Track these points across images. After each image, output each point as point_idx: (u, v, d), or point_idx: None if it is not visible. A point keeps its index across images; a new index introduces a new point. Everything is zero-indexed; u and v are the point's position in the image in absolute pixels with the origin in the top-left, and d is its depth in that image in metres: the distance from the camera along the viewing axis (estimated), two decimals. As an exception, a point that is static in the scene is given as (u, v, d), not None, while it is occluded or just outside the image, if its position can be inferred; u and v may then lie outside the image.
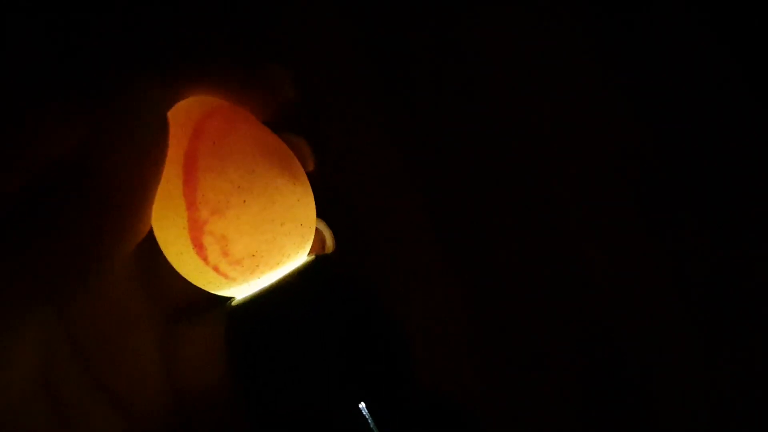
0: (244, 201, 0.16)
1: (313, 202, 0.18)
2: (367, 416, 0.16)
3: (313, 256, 0.18)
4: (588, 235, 0.36)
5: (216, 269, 0.17)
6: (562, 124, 0.37)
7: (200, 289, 0.18)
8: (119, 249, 0.16)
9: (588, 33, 0.38)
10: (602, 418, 0.34)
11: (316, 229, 0.19)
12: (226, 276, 0.17)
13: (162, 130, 0.16)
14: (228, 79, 0.17)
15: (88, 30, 0.32)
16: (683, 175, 0.37)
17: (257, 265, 0.17)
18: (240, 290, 0.18)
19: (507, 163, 0.37)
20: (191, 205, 0.17)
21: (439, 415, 0.18)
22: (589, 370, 0.35)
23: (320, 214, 0.19)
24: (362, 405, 0.16)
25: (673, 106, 0.38)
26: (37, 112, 0.15)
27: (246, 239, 0.17)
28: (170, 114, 0.17)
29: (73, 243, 0.15)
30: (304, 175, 0.18)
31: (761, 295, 0.36)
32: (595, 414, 0.34)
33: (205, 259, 0.17)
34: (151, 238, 0.17)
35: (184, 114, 0.17)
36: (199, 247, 0.17)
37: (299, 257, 0.18)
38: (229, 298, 0.18)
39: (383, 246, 0.35)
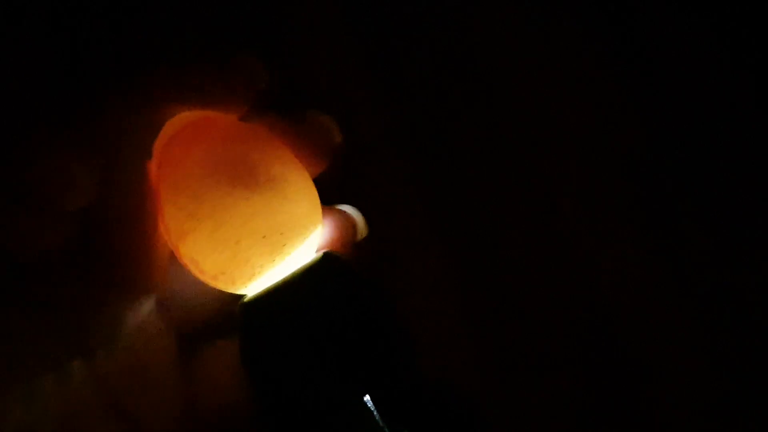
0: (195, 227, 0.17)
1: (293, 204, 0.18)
2: (372, 409, 0.16)
3: (321, 253, 0.19)
4: (589, 236, 0.36)
5: (207, 282, 0.18)
6: (563, 124, 0.37)
7: (215, 307, 0.19)
8: (139, 302, 0.17)
9: (588, 34, 0.38)
10: (602, 417, 0.34)
11: (347, 215, 0.19)
12: (217, 287, 0.18)
13: (143, 195, 0.16)
14: (197, 94, 0.17)
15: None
16: (685, 176, 0.37)
17: (233, 281, 0.18)
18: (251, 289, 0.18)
19: (507, 163, 0.37)
20: (164, 232, 0.18)
21: (445, 409, 0.18)
22: (590, 370, 0.35)
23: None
24: (367, 398, 0.16)
25: (673, 106, 0.38)
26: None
27: (210, 260, 0.18)
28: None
29: (94, 301, 0.15)
30: (277, 179, 0.18)
31: (763, 295, 0.36)
32: (595, 414, 0.34)
33: (195, 274, 0.18)
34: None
35: (158, 140, 0.17)
36: (186, 266, 0.18)
37: (282, 264, 0.18)
38: (242, 296, 0.19)
39: (383, 246, 0.35)
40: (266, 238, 0.17)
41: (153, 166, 0.17)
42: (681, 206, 0.37)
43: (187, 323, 0.19)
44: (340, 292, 0.18)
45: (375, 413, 0.16)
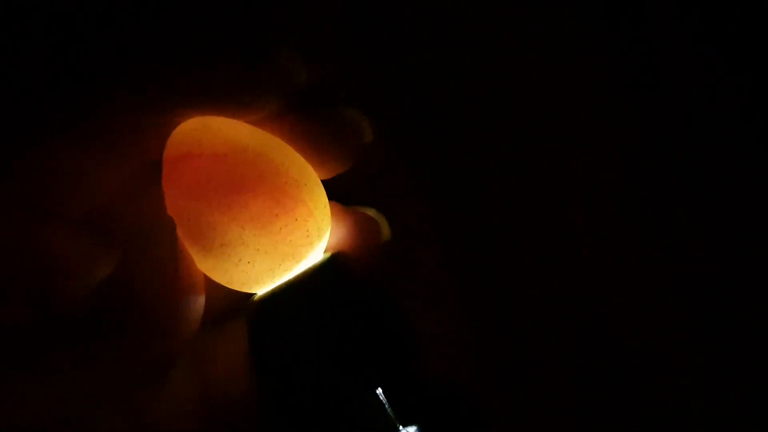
0: (199, 251, 0.18)
1: (301, 217, 0.18)
2: (384, 401, 0.17)
3: (329, 254, 0.19)
4: (589, 236, 0.36)
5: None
6: (563, 124, 0.37)
7: (223, 299, 0.19)
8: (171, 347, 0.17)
9: (588, 34, 0.38)
10: (602, 417, 0.34)
11: (371, 219, 0.19)
12: (227, 286, 0.18)
13: (174, 255, 0.17)
14: (222, 97, 0.17)
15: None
16: (685, 176, 0.37)
17: (241, 286, 0.18)
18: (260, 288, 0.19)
19: (507, 163, 0.37)
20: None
21: (452, 404, 0.18)
22: (590, 370, 0.35)
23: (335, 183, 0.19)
24: (379, 390, 0.17)
25: (673, 106, 0.38)
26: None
27: (216, 275, 0.18)
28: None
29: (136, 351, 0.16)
30: (284, 193, 0.18)
31: (762, 295, 0.36)
32: (595, 413, 0.34)
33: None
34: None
35: (166, 151, 0.17)
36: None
37: (291, 270, 0.18)
38: (252, 295, 0.19)
39: (382, 246, 0.35)
40: (273, 251, 0.18)
41: (163, 184, 0.17)
42: (681, 206, 0.37)
43: (198, 315, 0.19)
44: (347, 292, 0.18)
45: (387, 406, 0.17)
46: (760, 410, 0.35)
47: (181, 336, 0.17)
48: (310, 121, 0.18)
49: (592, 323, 0.35)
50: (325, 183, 0.19)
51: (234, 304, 0.19)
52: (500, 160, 0.37)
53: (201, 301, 0.18)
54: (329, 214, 0.19)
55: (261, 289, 0.19)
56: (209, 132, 0.18)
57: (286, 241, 0.18)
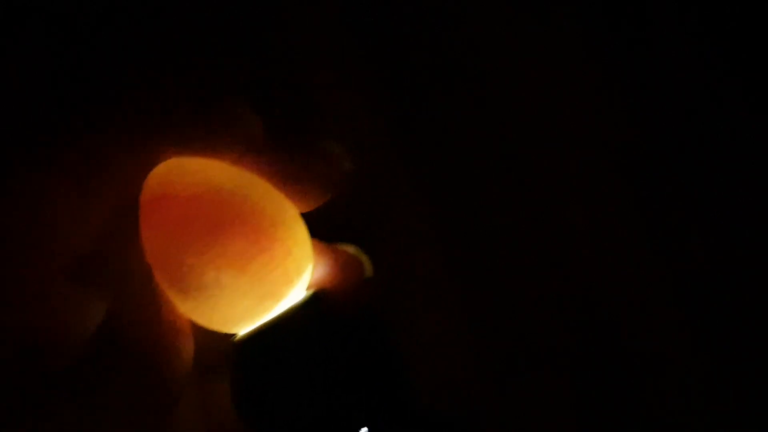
0: (176, 296, 0.18)
1: (280, 257, 0.18)
2: None
3: (311, 292, 0.19)
4: (589, 236, 0.36)
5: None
6: (563, 124, 0.37)
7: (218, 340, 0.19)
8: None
9: (588, 34, 0.38)
10: (602, 417, 0.34)
11: (353, 257, 0.19)
12: (208, 327, 0.18)
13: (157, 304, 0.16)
14: (197, 142, 0.17)
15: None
16: (684, 176, 0.37)
17: (221, 327, 0.18)
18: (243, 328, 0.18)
19: (507, 163, 0.37)
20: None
21: None
22: (589, 369, 0.35)
23: (318, 218, 0.19)
24: (365, 430, 0.17)
25: (672, 106, 0.38)
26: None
27: (195, 317, 0.18)
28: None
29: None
30: (262, 234, 0.17)
31: (762, 295, 0.36)
32: (595, 413, 0.34)
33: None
34: None
35: (143, 194, 0.17)
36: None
37: (271, 311, 0.18)
38: (233, 335, 0.19)
39: (383, 246, 0.35)
40: (252, 292, 0.17)
41: (140, 226, 0.17)
42: (680, 206, 0.37)
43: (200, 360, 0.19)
44: (331, 329, 0.18)
45: None
46: (760, 410, 0.35)
47: (173, 382, 0.17)
48: (285, 156, 0.18)
49: (592, 323, 0.35)
50: (310, 215, 0.19)
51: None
52: (500, 160, 0.37)
53: (190, 343, 0.18)
54: (310, 251, 0.19)
55: (241, 330, 0.18)
56: (184, 173, 0.18)
57: (264, 281, 0.17)
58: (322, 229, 0.19)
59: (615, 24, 0.38)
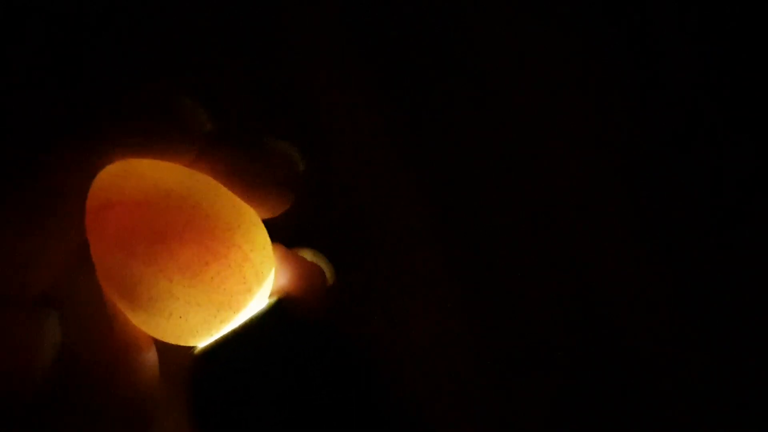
0: (128, 309, 0.17)
1: (239, 263, 0.17)
2: None
3: (274, 299, 0.18)
4: (588, 236, 0.36)
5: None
6: (562, 124, 0.37)
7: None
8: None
9: (588, 34, 0.38)
10: (602, 416, 0.34)
11: (312, 265, 0.18)
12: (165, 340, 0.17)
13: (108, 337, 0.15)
14: (134, 144, 0.16)
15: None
16: (684, 176, 0.37)
17: (176, 340, 0.17)
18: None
19: (507, 163, 0.37)
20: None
21: None
22: (590, 369, 0.35)
23: (319, 217, 0.18)
24: None
25: (672, 106, 0.38)
26: None
27: (150, 330, 0.17)
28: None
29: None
30: (219, 239, 0.16)
31: (762, 294, 0.36)
32: (595, 413, 0.34)
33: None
34: None
35: (89, 200, 0.16)
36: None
37: (231, 321, 0.17)
38: (192, 348, 0.18)
39: (383, 246, 0.35)
40: (207, 302, 0.16)
41: (87, 235, 0.16)
42: (680, 206, 0.37)
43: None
44: (296, 338, 0.17)
45: None
46: (760, 410, 0.35)
47: (138, 401, 0.16)
48: (241, 157, 0.17)
49: (592, 323, 0.35)
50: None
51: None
52: (500, 160, 0.37)
53: (151, 358, 0.16)
54: (271, 257, 0.17)
55: (200, 342, 0.17)
56: (131, 177, 0.16)
57: (220, 290, 0.16)
58: (318, 229, 0.19)
59: (615, 24, 0.38)
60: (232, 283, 0.16)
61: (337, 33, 0.37)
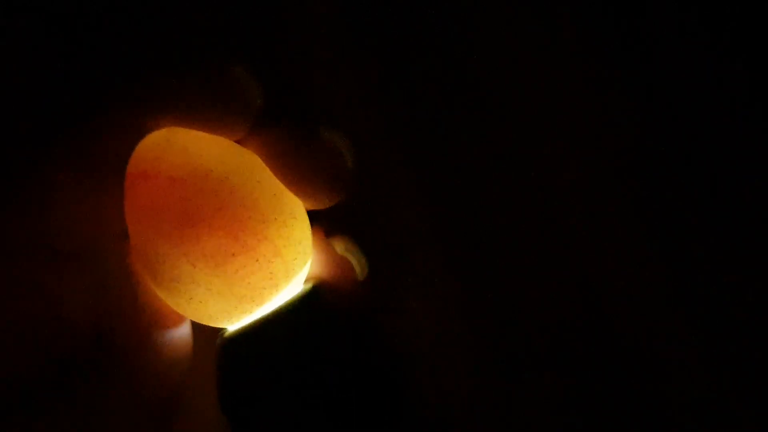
0: (164, 288, 0.16)
1: (278, 250, 0.16)
2: None
3: (309, 285, 0.17)
4: (589, 236, 0.36)
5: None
6: (563, 124, 0.37)
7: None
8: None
9: (588, 34, 0.38)
10: (602, 416, 0.34)
11: (345, 260, 0.17)
12: (194, 319, 0.17)
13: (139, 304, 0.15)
14: (185, 111, 0.15)
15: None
16: (685, 176, 0.37)
17: (209, 320, 0.17)
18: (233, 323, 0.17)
19: (507, 163, 0.37)
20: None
21: None
22: (590, 369, 0.35)
23: (319, 216, 0.18)
24: None
25: (673, 106, 0.38)
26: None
27: (182, 309, 0.17)
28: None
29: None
30: (261, 221, 0.16)
31: (762, 295, 0.36)
32: (595, 413, 0.34)
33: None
34: None
35: (130, 165, 0.16)
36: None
37: (265, 305, 0.16)
38: (222, 330, 0.17)
39: (383, 246, 0.35)
40: (228, 293, 0.16)
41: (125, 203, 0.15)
42: (681, 206, 0.37)
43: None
44: (326, 331, 0.17)
45: None
46: (760, 410, 0.35)
47: (167, 376, 0.15)
48: (294, 141, 0.16)
49: (592, 323, 0.35)
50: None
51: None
52: (500, 160, 0.37)
53: (179, 334, 0.16)
54: (307, 251, 0.17)
55: (220, 325, 0.16)
56: (173, 149, 0.16)
57: (243, 283, 0.15)
58: (321, 226, 0.18)
59: (615, 24, 0.38)
60: (258, 278, 0.16)
61: (337, 33, 0.37)
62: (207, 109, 0.15)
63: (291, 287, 0.17)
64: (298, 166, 0.16)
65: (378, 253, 0.35)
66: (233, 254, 0.15)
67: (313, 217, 0.17)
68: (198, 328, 0.17)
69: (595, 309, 0.35)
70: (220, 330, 0.17)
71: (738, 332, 0.35)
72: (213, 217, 0.15)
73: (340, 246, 0.18)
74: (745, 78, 0.38)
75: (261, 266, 0.16)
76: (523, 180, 0.36)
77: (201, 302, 0.16)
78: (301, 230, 0.17)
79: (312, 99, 0.36)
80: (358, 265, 0.18)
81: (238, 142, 0.16)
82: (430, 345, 0.34)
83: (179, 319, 0.16)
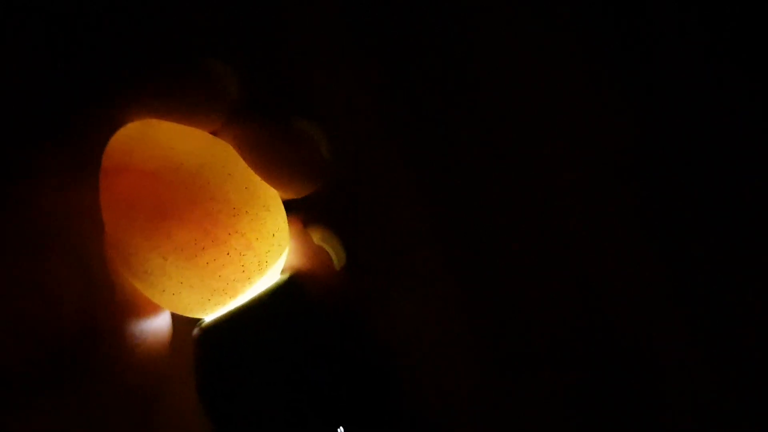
0: (139, 279, 0.16)
1: (251, 240, 0.16)
2: None
3: (286, 276, 0.17)
4: (588, 236, 0.36)
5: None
6: (562, 124, 0.37)
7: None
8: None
9: (588, 34, 0.38)
10: (603, 416, 0.34)
11: (319, 247, 0.17)
12: (170, 310, 0.17)
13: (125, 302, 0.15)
14: (158, 103, 0.15)
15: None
16: (685, 177, 0.37)
17: (184, 310, 0.17)
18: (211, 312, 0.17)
19: (507, 163, 0.37)
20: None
21: None
22: (590, 370, 0.35)
23: (297, 205, 0.18)
24: (341, 430, 0.15)
25: (673, 106, 0.38)
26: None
27: (157, 299, 0.17)
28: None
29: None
30: (234, 213, 0.16)
31: (762, 295, 0.36)
32: (595, 413, 0.34)
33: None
34: None
35: (105, 158, 0.16)
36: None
37: (240, 295, 0.16)
38: (199, 320, 0.17)
39: (383, 246, 0.35)
40: (200, 286, 0.16)
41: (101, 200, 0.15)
42: (681, 206, 0.37)
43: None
44: (304, 322, 0.16)
45: None
46: (760, 410, 0.35)
47: (147, 365, 0.15)
48: (267, 131, 0.16)
49: (592, 323, 0.35)
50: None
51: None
52: (500, 160, 0.37)
53: (160, 323, 0.16)
54: (282, 242, 0.17)
55: (196, 315, 0.16)
56: (147, 142, 0.16)
57: (215, 276, 0.15)
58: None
59: (615, 24, 0.38)
60: (230, 271, 0.16)
61: (337, 33, 0.37)
62: (180, 101, 0.15)
63: (266, 279, 0.17)
64: (271, 155, 0.16)
65: (378, 253, 0.36)
66: (203, 248, 0.15)
67: (291, 206, 0.17)
68: (179, 319, 0.17)
69: (595, 309, 0.35)
70: (198, 320, 0.17)
71: (738, 332, 0.35)
72: (183, 211, 0.15)
73: (317, 236, 0.18)
74: (745, 78, 0.38)
75: (232, 259, 0.16)
76: (523, 180, 0.36)
77: (174, 294, 0.16)
78: (275, 222, 0.17)
79: (312, 99, 0.36)
80: (335, 254, 0.18)
81: (213, 133, 0.16)
82: (430, 345, 0.34)
83: (156, 308, 0.16)
